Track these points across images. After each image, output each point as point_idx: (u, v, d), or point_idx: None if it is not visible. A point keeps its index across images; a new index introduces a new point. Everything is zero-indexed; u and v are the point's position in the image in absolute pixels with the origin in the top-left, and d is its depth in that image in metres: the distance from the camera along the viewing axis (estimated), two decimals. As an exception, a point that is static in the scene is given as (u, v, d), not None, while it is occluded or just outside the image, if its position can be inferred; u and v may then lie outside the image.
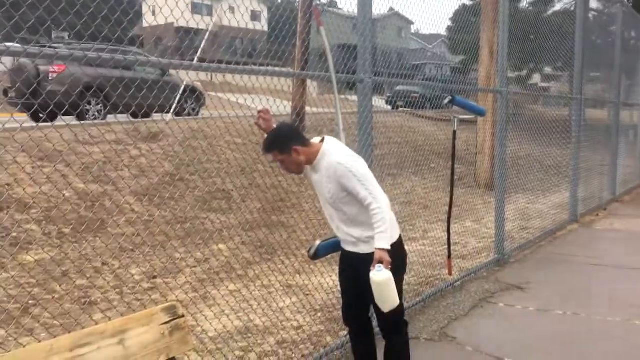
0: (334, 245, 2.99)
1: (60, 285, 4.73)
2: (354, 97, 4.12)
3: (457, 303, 4.64)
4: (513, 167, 7.72)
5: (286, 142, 2.81)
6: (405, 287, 4.85)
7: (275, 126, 2.96)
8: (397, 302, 2.71)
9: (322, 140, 2.87)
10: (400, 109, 14.00)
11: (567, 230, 7.65)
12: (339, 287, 4.91)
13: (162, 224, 6.31)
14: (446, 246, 4.50)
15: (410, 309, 4.41)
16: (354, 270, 2.88)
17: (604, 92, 10.32)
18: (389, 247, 2.65)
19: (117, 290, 4.83)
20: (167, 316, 2.25)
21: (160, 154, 7.76)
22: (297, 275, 5.27)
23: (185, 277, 5.16)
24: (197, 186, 7.38)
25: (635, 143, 12.13)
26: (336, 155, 2.76)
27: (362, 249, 2.83)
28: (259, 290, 4.88)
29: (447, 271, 4.54)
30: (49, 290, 4.64)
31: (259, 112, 2.95)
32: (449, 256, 4.45)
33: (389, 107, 15.02)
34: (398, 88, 16.78)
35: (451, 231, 4.54)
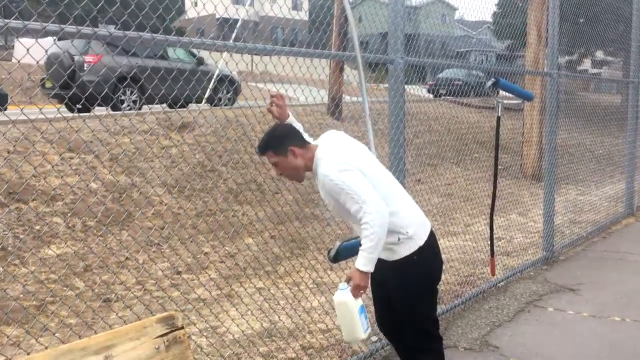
0: (356, 247, 2.66)
1: (81, 281, 4.57)
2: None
3: (501, 306, 4.24)
4: (562, 156, 7.22)
5: (282, 141, 2.48)
6: (442, 287, 4.51)
7: (289, 114, 2.64)
8: (354, 335, 2.41)
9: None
10: (443, 97, 13.50)
11: (622, 224, 7.10)
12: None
13: (191, 217, 6.12)
14: (489, 242, 4.11)
15: (448, 312, 4.05)
16: (381, 276, 2.54)
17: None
18: (369, 270, 2.33)
19: (139, 286, 4.64)
20: (164, 328, 1.98)
21: (192, 144, 7.58)
22: (329, 272, 4.98)
23: (210, 274, 4.94)
24: (228, 177, 7.16)
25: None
26: (324, 165, 2.38)
27: (386, 255, 2.48)
28: (288, 288, 4.62)
29: (489, 270, 4.16)
30: (71, 286, 4.49)
31: (272, 96, 2.62)
32: (492, 254, 4.06)
33: (431, 96, 14.55)
34: (440, 75, 16.25)
35: (495, 226, 4.14)
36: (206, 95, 9.52)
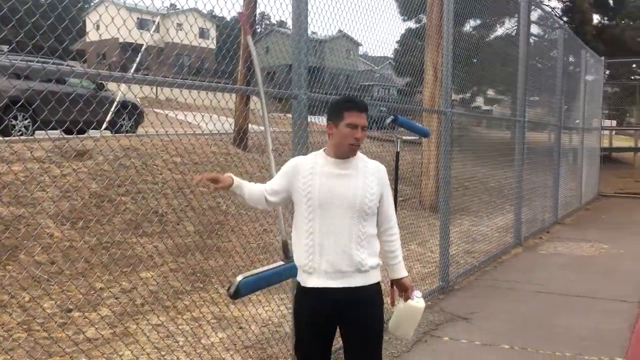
0: (258, 282, 2.63)
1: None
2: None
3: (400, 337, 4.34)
4: (457, 188, 7.59)
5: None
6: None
7: (232, 176, 2.56)
8: (410, 334, 2.81)
9: None
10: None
11: (511, 254, 7.54)
12: (276, 318, 4.59)
13: (84, 250, 5.79)
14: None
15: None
16: (350, 310, 2.43)
17: (545, 115, 10.43)
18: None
19: (25, 326, 4.30)
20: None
21: (89, 173, 7.23)
22: (231, 306, 4.87)
23: (103, 312, 4.67)
24: (127, 208, 6.87)
25: (575, 165, 12.33)
26: (374, 161, 2.60)
27: (363, 280, 2.45)
28: (187, 324, 4.47)
29: (389, 300, 4.25)
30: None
31: (196, 182, 2.51)
32: (392, 285, 4.16)
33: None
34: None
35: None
36: (106, 122, 9.15)
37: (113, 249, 6.03)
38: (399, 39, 8.22)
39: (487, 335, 4.37)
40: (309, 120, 3.70)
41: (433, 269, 6.25)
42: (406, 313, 2.62)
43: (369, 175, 2.48)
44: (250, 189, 2.56)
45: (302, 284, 2.47)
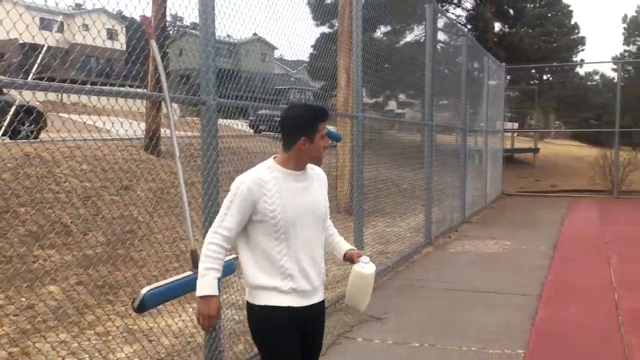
0: (165, 293, 2.56)
1: None
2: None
3: (315, 340, 4.37)
4: (372, 191, 7.76)
5: None
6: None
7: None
8: (365, 305, 2.65)
9: None
10: (263, 133, 13.79)
11: (422, 253, 7.81)
12: (188, 330, 4.49)
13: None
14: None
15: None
16: (316, 324, 2.44)
17: (452, 118, 10.89)
18: None
19: None
20: None
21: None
22: (143, 318, 4.71)
23: (3, 329, 4.37)
24: (28, 218, 6.48)
25: (480, 166, 12.96)
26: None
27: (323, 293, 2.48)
28: (96, 339, 4.27)
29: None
30: None
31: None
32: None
33: (252, 131, 14.75)
34: (261, 112, 16.61)
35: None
36: (2, 128, 8.59)
37: (11, 263, 5.66)
38: (313, 43, 8.29)
39: (399, 334, 4.50)
40: (220, 124, 3.65)
41: (348, 270, 6.33)
42: (355, 281, 2.50)
43: (321, 183, 2.46)
44: (219, 266, 2.31)
45: (275, 304, 2.30)
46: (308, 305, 2.34)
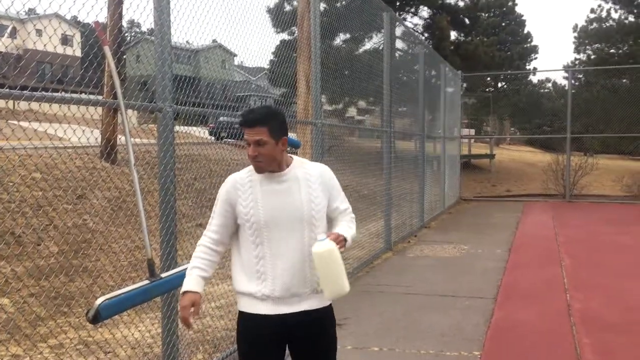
0: (121, 303, 2.52)
1: None
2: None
3: (275, 347, 4.36)
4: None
5: (281, 126, 2.29)
6: (221, 333, 4.48)
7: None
8: (343, 285, 2.23)
9: None
10: (224, 140, 13.71)
11: (382, 259, 7.88)
12: (145, 340, 4.41)
13: None
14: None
15: (227, 358, 4.03)
16: (301, 330, 2.28)
17: (410, 125, 11.06)
18: (349, 242, 2.33)
19: None
20: None
21: None
22: (99, 329, 4.61)
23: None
24: (-23, 230, 6.26)
25: (438, 172, 13.18)
26: (320, 165, 2.45)
27: (318, 302, 2.32)
28: (50, 352, 4.16)
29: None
30: None
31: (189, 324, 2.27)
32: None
33: (213, 138, 14.64)
34: (221, 119, 16.50)
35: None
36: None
37: (-40, 275, 5.46)
38: (274, 50, 8.30)
39: (358, 339, 4.53)
40: (178, 132, 3.62)
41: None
42: (317, 265, 2.21)
43: (311, 183, 2.33)
44: (209, 268, 2.35)
45: (251, 311, 2.28)
46: (289, 314, 2.25)
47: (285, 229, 2.25)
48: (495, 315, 5.16)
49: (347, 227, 2.37)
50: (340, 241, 2.24)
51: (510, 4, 36.53)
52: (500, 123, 38.24)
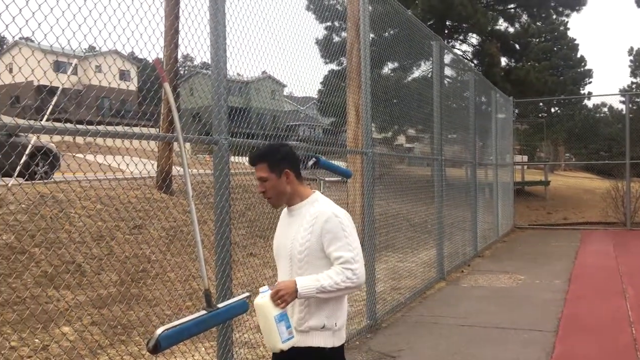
0: (180, 333, 2.56)
1: None
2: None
3: (329, 379, 4.32)
4: (382, 226, 7.75)
5: (281, 160, 2.39)
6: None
7: None
8: (272, 343, 2.27)
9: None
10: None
11: (435, 288, 7.74)
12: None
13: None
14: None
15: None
16: None
17: (461, 152, 10.93)
18: (303, 294, 2.22)
19: None
20: None
21: (-1, 224, 6.83)
22: (155, 358, 4.69)
23: (16, 372, 4.38)
24: (42, 259, 6.53)
25: (491, 199, 12.92)
26: (333, 206, 2.38)
27: (308, 340, 2.33)
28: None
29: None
30: None
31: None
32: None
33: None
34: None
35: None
36: (17, 170, 8.73)
37: (25, 304, 5.69)
38: (322, 80, 8.44)
39: (414, 372, 4.44)
40: (231, 162, 3.72)
41: (361, 307, 6.30)
42: (258, 316, 2.31)
43: (305, 221, 2.35)
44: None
45: None
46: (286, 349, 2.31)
47: (281, 262, 2.42)
48: (556, 349, 4.97)
49: (324, 276, 2.26)
50: (279, 297, 2.22)
51: (562, 28, 35.95)
52: (554, 149, 37.27)
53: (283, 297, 2.21)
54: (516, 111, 21.45)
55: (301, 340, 2.32)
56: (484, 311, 6.39)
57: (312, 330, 2.32)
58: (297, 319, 2.33)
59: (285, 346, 2.27)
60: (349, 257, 2.26)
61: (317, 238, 2.30)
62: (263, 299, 2.25)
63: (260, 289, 2.28)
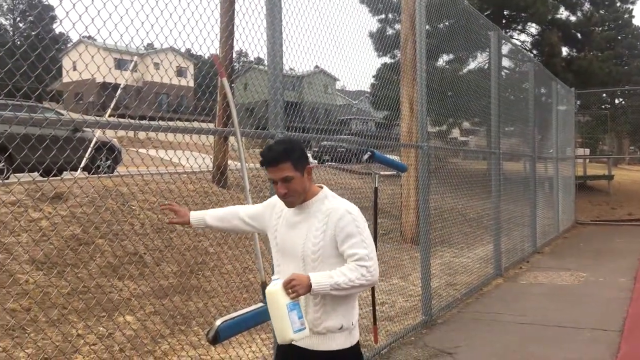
0: (238, 325, 2.61)
1: None
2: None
3: (384, 374, 4.32)
4: (437, 220, 7.65)
5: (302, 156, 2.24)
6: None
7: (188, 212, 2.62)
8: (283, 334, 2.16)
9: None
10: (327, 164, 13.95)
11: (492, 285, 7.58)
12: (257, 361, 4.53)
13: (63, 295, 5.67)
14: (371, 308, 4.20)
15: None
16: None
17: (519, 145, 10.64)
18: (316, 289, 2.11)
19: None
20: None
21: (65, 216, 7.14)
22: (213, 349, 4.80)
23: (82, 357, 4.57)
24: (106, 250, 6.78)
25: (551, 194, 12.53)
26: (346, 203, 2.28)
27: (316, 342, 2.26)
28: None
29: (372, 337, 4.24)
30: None
31: (161, 207, 2.64)
32: (374, 321, 4.16)
33: (315, 162, 14.93)
34: (324, 143, 16.83)
35: (378, 291, 4.25)
36: (82, 164, 9.09)
37: (93, 292, 5.93)
38: (375, 73, 8.38)
39: (471, 369, 4.37)
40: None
41: (416, 302, 6.24)
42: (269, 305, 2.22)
43: (317, 220, 2.25)
44: (217, 215, 2.60)
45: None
46: (291, 345, 2.23)
47: (290, 261, 2.30)
48: (622, 349, 4.77)
49: (338, 273, 2.17)
50: (291, 287, 2.12)
51: (626, 16, 34.32)
52: (618, 141, 35.74)
53: (295, 288, 2.11)
54: (578, 103, 20.67)
55: (320, 344, 2.26)
56: (544, 309, 6.21)
57: (329, 332, 2.26)
58: (313, 319, 2.25)
59: (297, 337, 2.16)
60: (363, 254, 2.18)
61: (331, 237, 2.22)
62: (275, 287, 2.17)
63: (273, 277, 2.22)
